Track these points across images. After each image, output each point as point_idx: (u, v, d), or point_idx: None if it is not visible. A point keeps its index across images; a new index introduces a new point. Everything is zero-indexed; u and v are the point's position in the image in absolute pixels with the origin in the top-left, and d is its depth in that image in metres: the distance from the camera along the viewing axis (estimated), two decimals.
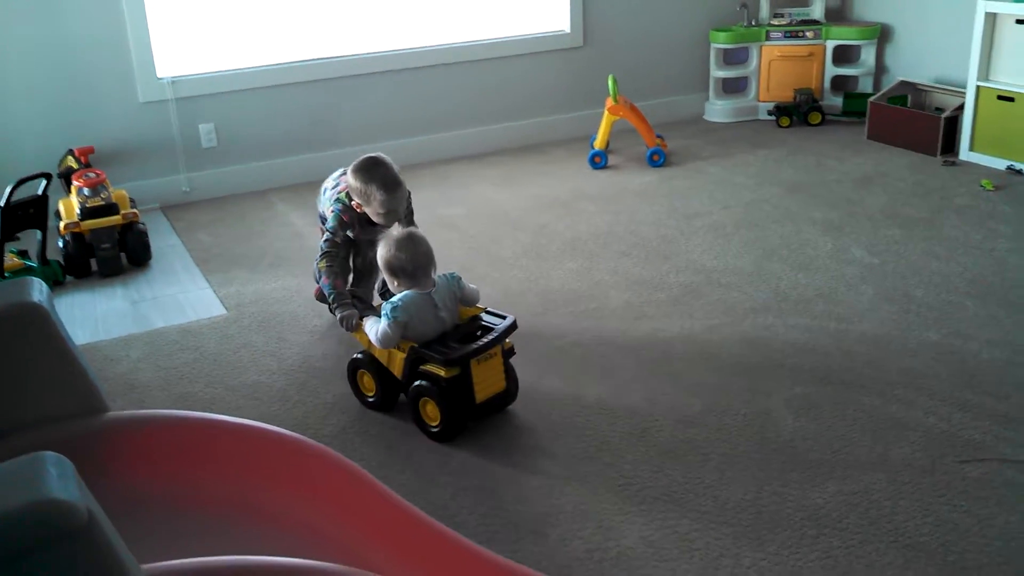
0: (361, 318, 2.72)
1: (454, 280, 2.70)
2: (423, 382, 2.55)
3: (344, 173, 2.97)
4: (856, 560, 2.11)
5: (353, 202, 2.87)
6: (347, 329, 2.76)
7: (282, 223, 4.42)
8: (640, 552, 2.15)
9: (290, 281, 3.74)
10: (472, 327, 2.66)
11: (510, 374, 2.68)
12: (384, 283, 2.94)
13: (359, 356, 2.75)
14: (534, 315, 3.34)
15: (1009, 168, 4.78)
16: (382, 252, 2.64)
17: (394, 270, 2.63)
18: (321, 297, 3.00)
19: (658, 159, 5.03)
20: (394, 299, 2.59)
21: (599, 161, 5.04)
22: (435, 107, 5.26)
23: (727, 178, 4.84)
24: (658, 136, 5.14)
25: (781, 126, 5.75)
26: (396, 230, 2.77)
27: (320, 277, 2.85)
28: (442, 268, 2.77)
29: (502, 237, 4.13)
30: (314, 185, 4.80)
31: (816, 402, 2.74)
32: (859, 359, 2.98)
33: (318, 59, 4.95)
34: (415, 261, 2.62)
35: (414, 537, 1.79)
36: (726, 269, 3.70)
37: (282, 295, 3.62)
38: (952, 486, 2.35)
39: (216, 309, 3.53)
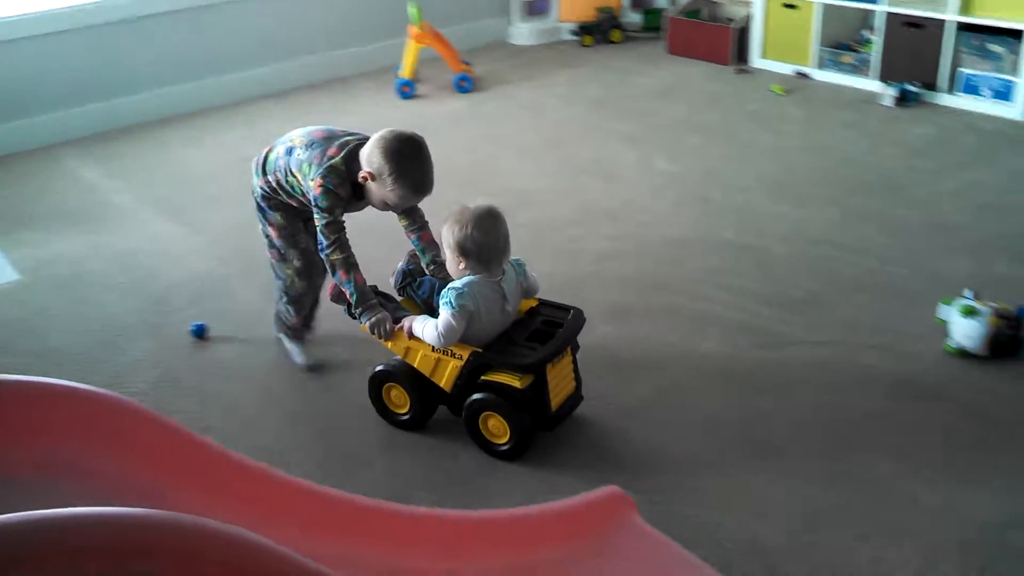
0: (396, 321, 2.27)
1: (520, 268, 2.30)
2: (484, 394, 2.17)
3: (326, 135, 2.35)
4: (670, 447, 2.23)
5: (361, 173, 2.25)
6: (381, 338, 2.26)
7: (74, 179, 4.16)
8: (472, 468, 2.20)
9: (87, 239, 3.53)
10: (533, 322, 2.27)
11: (576, 372, 2.33)
12: (403, 275, 2.42)
13: (384, 368, 2.32)
14: None
15: (797, 73, 5.03)
16: (454, 231, 2.16)
17: (466, 252, 2.16)
18: (338, 297, 2.35)
19: (466, 85, 5.02)
20: (456, 284, 2.16)
21: (407, 90, 4.98)
22: (231, 45, 5.03)
23: (535, 99, 4.89)
24: (464, 62, 5.11)
25: (584, 45, 5.83)
26: (473, 203, 2.23)
27: (335, 273, 2.30)
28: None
29: None
30: (108, 135, 4.57)
31: (627, 306, 2.84)
32: (664, 262, 3.11)
33: (99, 1, 4.62)
34: (496, 245, 2.18)
35: (234, 480, 1.76)
36: (538, 189, 3.76)
37: (80, 254, 3.41)
38: (753, 371, 2.51)
39: (8, 275, 3.30)
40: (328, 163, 2.25)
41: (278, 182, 2.41)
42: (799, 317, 2.75)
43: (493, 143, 4.28)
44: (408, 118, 4.67)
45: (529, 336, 2.22)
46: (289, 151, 2.36)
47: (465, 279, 2.17)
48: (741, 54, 5.30)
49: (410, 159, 2.22)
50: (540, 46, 5.91)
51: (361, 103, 4.96)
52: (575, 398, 2.31)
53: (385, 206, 2.31)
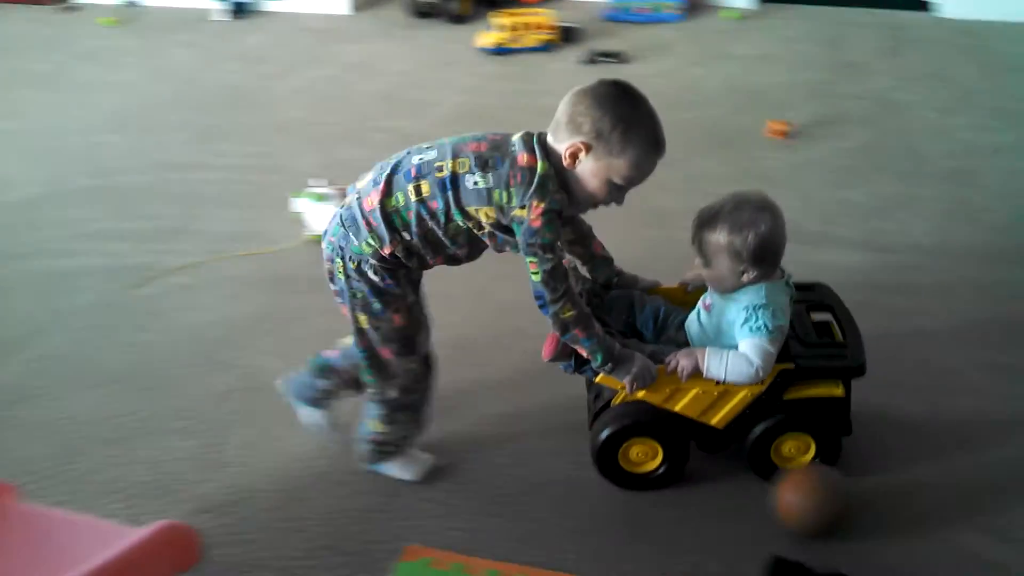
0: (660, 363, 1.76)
1: None
2: (782, 415, 1.78)
3: (490, 144, 1.62)
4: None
5: (568, 148, 1.59)
6: (641, 388, 1.74)
7: None
8: None
9: None
10: (797, 312, 1.88)
11: None
12: (591, 291, 1.90)
13: (620, 425, 1.79)
14: None
15: (127, 3, 4.86)
16: (742, 235, 1.70)
17: (764, 256, 1.72)
18: (562, 354, 1.76)
19: None
20: (756, 300, 1.73)
21: None
22: None
23: None
24: None
25: None
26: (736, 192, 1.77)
27: (568, 332, 1.69)
28: None
29: None
30: None
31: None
32: (16, 227, 2.87)
33: None
34: (784, 240, 1.76)
35: None
36: None
37: None
38: (132, 311, 2.43)
39: None
40: (539, 176, 1.59)
41: (425, 235, 1.65)
42: (169, 245, 2.72)
43: None
44: None
45: (812, 329, 1.87)
46: (448, 184, 1.61)
47: (762, 290, 1.75)
48: None
49: (635, 105, 1.61)
50: None
51: None
52: None
53: (606, 191, 1.63)
